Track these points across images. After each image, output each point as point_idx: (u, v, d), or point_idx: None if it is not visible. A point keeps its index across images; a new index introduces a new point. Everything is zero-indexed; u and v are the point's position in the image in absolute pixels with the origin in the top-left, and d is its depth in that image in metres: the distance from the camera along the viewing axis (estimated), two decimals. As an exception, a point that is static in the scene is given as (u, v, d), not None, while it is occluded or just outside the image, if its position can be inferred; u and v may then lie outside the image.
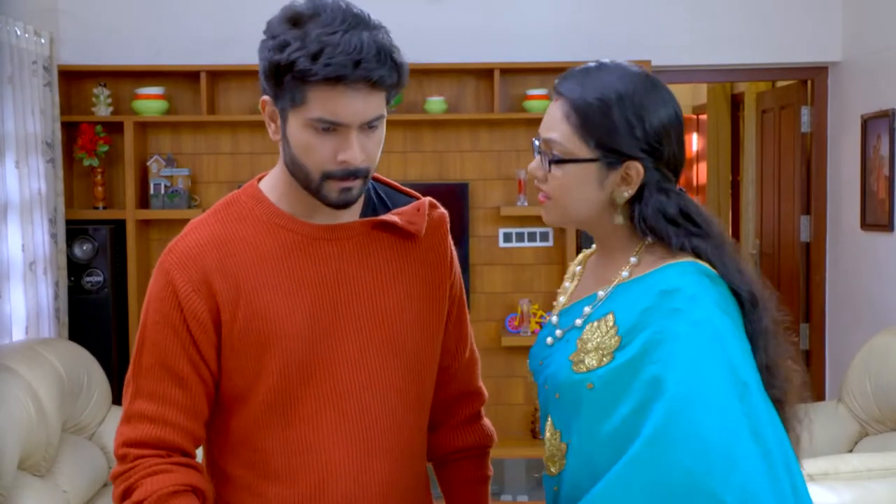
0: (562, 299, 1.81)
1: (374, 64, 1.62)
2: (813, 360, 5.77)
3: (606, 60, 1.67)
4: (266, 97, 1.69)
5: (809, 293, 5.79)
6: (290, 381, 1.70)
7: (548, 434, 1.71)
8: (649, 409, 1.48)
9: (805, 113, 5.78)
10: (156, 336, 1.68)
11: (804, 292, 5.84)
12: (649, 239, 1.62)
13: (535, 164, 1.67)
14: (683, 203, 1.59)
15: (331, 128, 1.63)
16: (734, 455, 1.44)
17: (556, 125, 1.63)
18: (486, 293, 5.56)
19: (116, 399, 4.76)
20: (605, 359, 1.57)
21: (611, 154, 1.58)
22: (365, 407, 1.74)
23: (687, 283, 1.53)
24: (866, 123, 5.08)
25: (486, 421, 2.13)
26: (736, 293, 1.58)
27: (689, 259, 1.58)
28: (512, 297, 5.57)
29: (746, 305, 1.57)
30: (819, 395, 5.69)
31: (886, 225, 4.87)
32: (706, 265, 1.58)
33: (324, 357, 1.71)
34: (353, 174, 1.66)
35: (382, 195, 1.87)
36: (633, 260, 1.64)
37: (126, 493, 1.68)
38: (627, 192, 1.60)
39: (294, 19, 1.63)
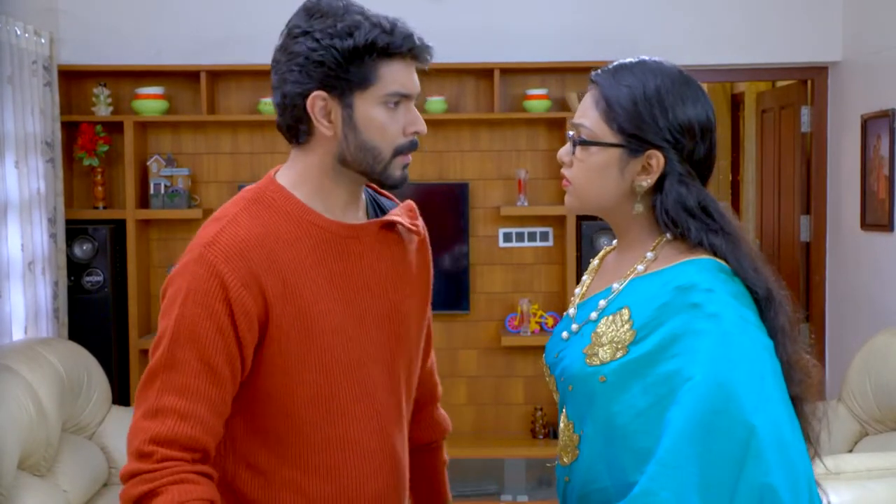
0: (578, 291, 1.84)
1: (423, 40, 1.75)
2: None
3: (646, 57, 1.69)
4: (318, 93, 1.68)
5: (809, 293, 5.79)
6: (330, 377, 1.71)
7: (561, 425, 1.73)
8: (671, 402, 1.50)
9: (805, 113, 5.77)
10: (195, 330, 1.63)
11: (804, 292, 5.84)
12: (668, 235, 1.64)
13: (564, 149, 1.72)
14: (702, 197, 1.61)
15: (400, 101, 1.71)
16: (783, 440, 1.47)
17: (586, 111, 1.68)
18: (485, 293, 5.56)
19: (116, 399, 4.76)
20: (619, 352, 1.59)
21: (633, 141, 1.61)
22: (385, 402, 1.79)
23: (703, 278, 1.56)
24: (866, 123, 5.08)
25: (442, 412, 2.20)
26: (752, 291, 1.59)
27: (707, 256, 1.60)
28: (512, 296, 5.57)
29: (762, 303, 1.59)
30: (819, 395, 5.69)
31: (886, 225, 4.87)
32: (723, 262, 1.59)
33: (356, 353, 1.74)
34: (414, 146, 1.74)
35: (372, 197, 1.92)
36: (649, 255, 1.67)
37: (148, 496, 1.59)
38: (647, 182, 1.63)
39: (326, 11, 1.68)
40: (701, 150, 1.62)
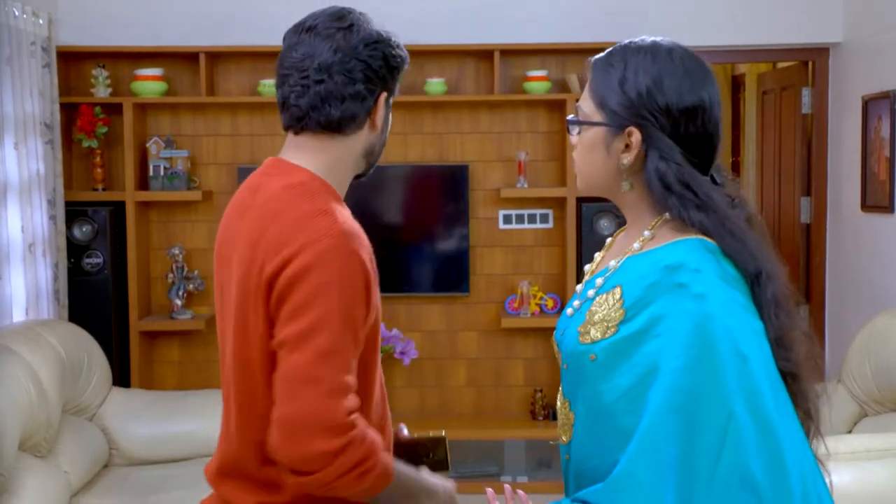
0: (587, 268, 1.84)
1: None
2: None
3: (657, 38, 1.69)
4: (384, 94, 1.94)
5: (809, 275, 5.80)
6: (378, 345, 1.92)
7: (559, 404, 1.74)
8: (653, 382, 1.50)
9: (806, 94, 5.76)
10: (351, 314, 1.75)
11: (804, 274, 5.84)
12: (667, 215, 1.63)
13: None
14: (684, 174, 1.59)
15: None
16: (766, 424, 1.46)
17: (583, 94, 1.71)
18: (485, 275, 5.56)
19: (117, 380, 4.77)
20: (609, 331, 1.59)
21: (614, 118, 1.62)
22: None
23: (691, 258, 1.55)
24: (867, 105, 5.07)
25: None
26: (743, 269, 1.58)
27: (699, 237, 1.59)
28: (512, 278, 5.57)
29: (750, 279, 1.57)
30: (819, 377, 5.69)
31: (887, 206, 4.86)
32: (712, 241, 1.58)
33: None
34: None
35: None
36: (646, 234, 1.66)
37: (367, 456, 1.73)
38: (627, 159, 1.63)
39: (362, 19, 1.94)
40: (690, 127, 1.60)
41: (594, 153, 1.67)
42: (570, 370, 1.67)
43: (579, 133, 1.69)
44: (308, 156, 1.91)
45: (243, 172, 5.42)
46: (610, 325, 1.59)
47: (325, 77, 1.86)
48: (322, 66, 1.86)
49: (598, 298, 1.65)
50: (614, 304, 1.60)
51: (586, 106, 1.68)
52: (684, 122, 1.60)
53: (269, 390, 1.77)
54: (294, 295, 1.74)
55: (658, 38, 1.68)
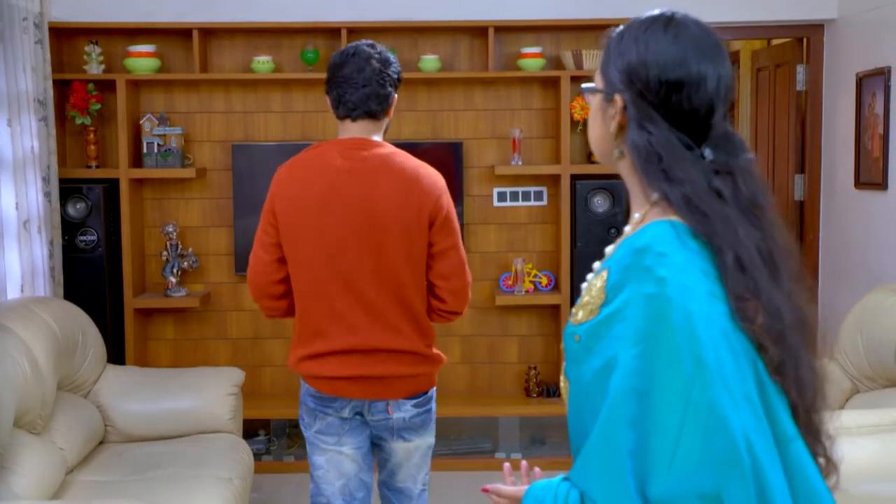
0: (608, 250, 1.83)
1: None
2: (805, 318, 5.80)
3: (670, 11, 1.66)
4: (396, 94, 3.08)
5: (803, 252, 5.81)
6: None
7: (561, 382, 1.77)
8: (615, 365, 1.51)
9: (800, 71, 5.76)
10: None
11: (797, 251, 5.85)
12: (655, 196, 1.61)
13: None
14: (657, 143, 1.57)
15: None
16: (718, 410, 1.44)
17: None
18: (480, 252, 5.57)
19: (111, 358, 4.77)
20: (592, 313, 1.60)
21: (608, 85, 1.63)
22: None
23: (657, 240, 1.54)
24: (861, 81, 5.07)
25: None
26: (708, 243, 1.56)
27: (673, 218, 1.57)
28: (506, 256, 5.58)
29: (715, 252, 1.54)
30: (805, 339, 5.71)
31: (880, 183, 4.87)
32: (681, 221, 1.57)
33: None
34: None
35: None
36: (636, 216, 1.66)
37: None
38: (612, 126, 1.63)
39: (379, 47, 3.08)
40: (674, 100, 1.58)
41: (594, 120, 1.69)
42: (566, 350, 1.69)
43: (586, 96, 1.71)
44: (373, 133, 2.98)
45: (237, 149, 5.41)
46: (594, 307, 1.60)
47: (377, 88, 2.94)
48: (367, 77, 2.93)
49: (591, 281, 1.65)
50: (600, 287, 1.60)
51: (596, 75, 1.69)
52: (669, 95, 1.58)
53: (415, 282, 2.94)
54: (446, 220, 2.95)
55: (669, 10, 1.65)
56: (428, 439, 3.10)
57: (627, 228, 1.66)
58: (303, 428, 3.07)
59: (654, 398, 1.46)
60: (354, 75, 2.91)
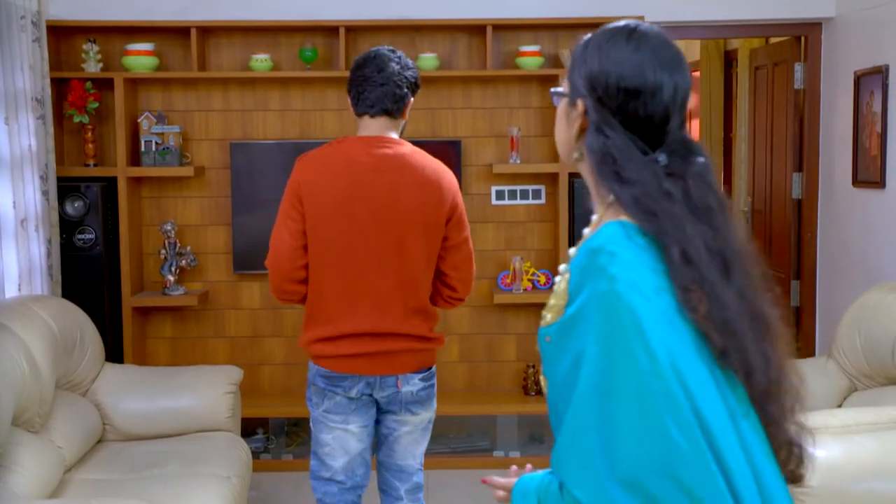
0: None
1: None
2: (804, 316, 5.80)
3: (635, 23, 1.72)
4: (412, 99, 3.29)
5: (801, 250, 5.81)
6: None
7: (541, 381, 1.84)
8: (581, 364, 1.57)
9: (798, 69, 5.76)
10: None
11: (795, 249, 5.86)
12: (610, 198, 1.66)
13: None
14: (611, 146, 1.65)
15: None
16: (645, 408, 1.51)
17: None
18: (478, 251, 5.54)
19: (110, 356, 4.77)
20: (559, 314, 1.65)
21: (572, 89, 1.71)
22: None
23: (609, 240, 1.60)
24: (859, 80, 5.07)
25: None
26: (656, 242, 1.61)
27: (624, 219, 1.62)
28: (504, 254, 5.58)
29: (659, 245, 1.60)
30: (809, 351, 5.73)
31: (878, 182, 4.87)
32: (630, 220, 1.62)
33: None
34: None
35: None
36: (593, 218, 1.72)
37: None
38: (575, 128, 1.71)
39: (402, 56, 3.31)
40: (632, 106, 1.65)
41: (560, 122, 1.77)
42: (541, 352, 1.75)
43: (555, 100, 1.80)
44: (391, 132, 3.21)
45: (235, 148, 5.41)
46: (560, 308, 1.65)
47: (395, 91, 3.16)
48: (385, 77, 3.15)
49: (557, 283, 1.71)
50: (564, 289, 1.65)
51: (563, 80, 1.78)
52: (626, 101, 1.65)
53: (427, 274, 3.20)
54: (460, 216, 3.22)
55: (634, 22, 1.71)
56: (431, 412, 3.34)
57: (587, 230, 1.72)
58: (311, 408, 3.27)
59: (614, 394, 1.52)
60: (374, 75, 3.14)
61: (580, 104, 1.69)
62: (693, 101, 8.48)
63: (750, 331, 1.61)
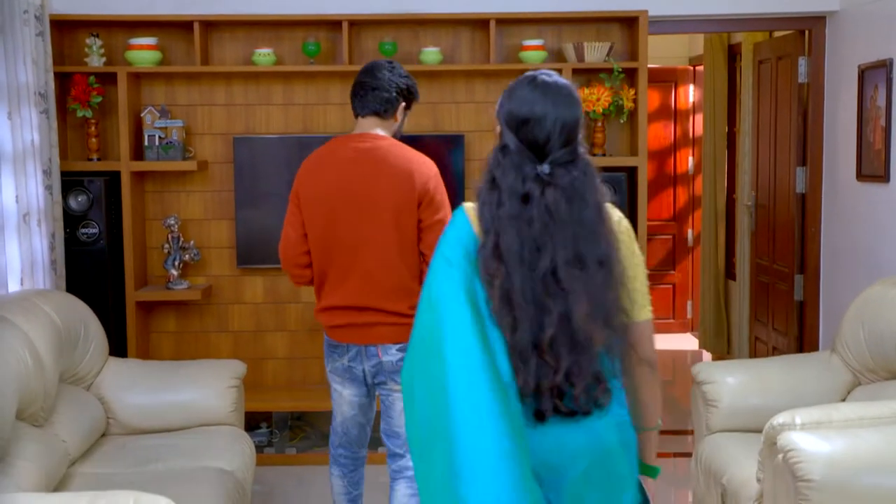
0: None
1: None
2: (807, 310, 5.80)
3: (538, 72, 2.42)
4: (403, 103, 3.63)
5: (804, 245, 5.81)
6: None
7: None
8: None
9: (802, 63, 5.75)
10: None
11: (799, 244, 5.85)
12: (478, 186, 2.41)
13: None
14: (492, 157, 2.39)
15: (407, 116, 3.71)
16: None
17: None
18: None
19: (113, 350, 4.78)
20: None
21: (496, 117, 2.43)
22: None
23: (450, 221, 2.42)
24: (863, 73, 5.06)
25: None
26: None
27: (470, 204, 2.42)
28: (507, 248, 5.56)
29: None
30: (813, 346, 5.72)
31: (882, 176, 4.86)
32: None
33: None
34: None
35: None
36: None
37: None
38: (497, 142, 2.41)
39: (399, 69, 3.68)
40: (523, 130, 2.33)
41: (495, 139, 2.45)
42: None
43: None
44: (379, 130, 3.60)
45: (238, 142, 5.41)
46: None
47: (384, 95, 3.57)
48: (377, 83, 3.57)
49: None
50: None
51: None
52: (519, 126, 2.34)
53: (403, 253, 3.53)
54: (431, 200, 3.52)
55: (538, 72, 2.40)
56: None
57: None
58: (326, 365, 3.79)
59: (427, 329, 2.29)
60: (367, 80, 3.59)
61: (497, 127, 2.41)
62: (696, 96, 8.47)
63: (530, 304, 2.23)
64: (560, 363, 2.22)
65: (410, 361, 2.31)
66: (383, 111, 3.59)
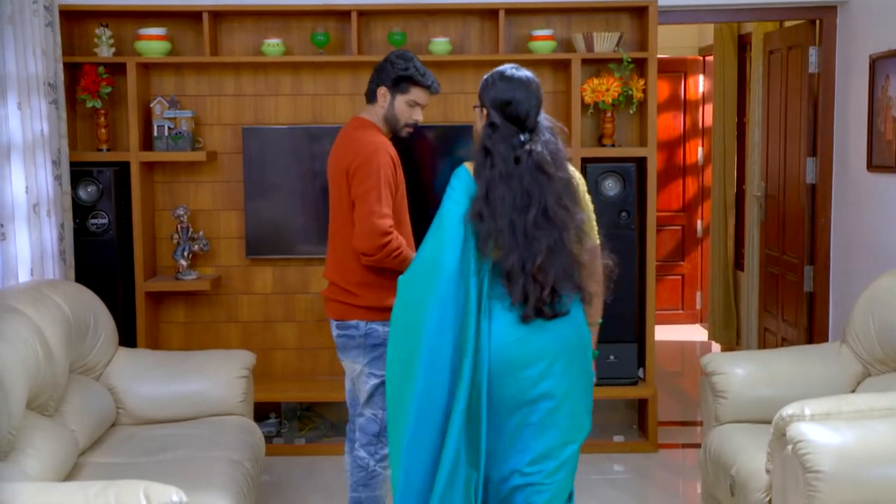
0: None
1: (436, 82, 3.90)
2: (817, 301, 5.78)
3: (510, 67, 3.24)
4: (383, 88, 3.80)
5: (814, 235, 5.79)
6: (404, 206, 3.94)
7: None
8: None
9: (813, 53, 5.72)
10: (387, 176, 3.68)
11: (809, 234, 5.83)
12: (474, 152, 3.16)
13: None
14: (485, 133, 3.11)
15: (414, 105, 3.84)
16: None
17: None
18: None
19: (123, 340, 4.79)
20: None
21: (480, 102, 3.20)
22: None
23: (457, 173, 3.15)
24: (874, 63, 5.03)
25: None
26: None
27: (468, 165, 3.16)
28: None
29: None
30: (823, 337, 5.71)
31: (893, 166, 4.84)
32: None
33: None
34: (413, 125, 3.89)
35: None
36: None
37: (401, 245, 3.66)
38: (479, 124, 3.19)
39: (408, 55, 3.87)
40: (507, 110, 3.09)
41: (477, 121, 3.23)
42: None
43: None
44: (364, 112, 3.87)
45: (248, 132, 5.41)
46: None
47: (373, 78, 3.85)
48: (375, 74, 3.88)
49: None
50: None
51: (478, 98, 3.22)
52: (504, 107, 3.11)
53: (346, 226, 3.72)
54: (356, 171, 3.66)
55: (509, 67, 3.20)
56: (357, 365, 3.80)
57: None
58: None
59: (432, 252, 3.11)
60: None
61: (485, 110, 3.15)
62: (707, 86, 8.44)
63: (513, 238, 2.99)
64: (547, 281, 2.97)
65: (410, 274, 3.12)
66: (370, 98, 3.85)
